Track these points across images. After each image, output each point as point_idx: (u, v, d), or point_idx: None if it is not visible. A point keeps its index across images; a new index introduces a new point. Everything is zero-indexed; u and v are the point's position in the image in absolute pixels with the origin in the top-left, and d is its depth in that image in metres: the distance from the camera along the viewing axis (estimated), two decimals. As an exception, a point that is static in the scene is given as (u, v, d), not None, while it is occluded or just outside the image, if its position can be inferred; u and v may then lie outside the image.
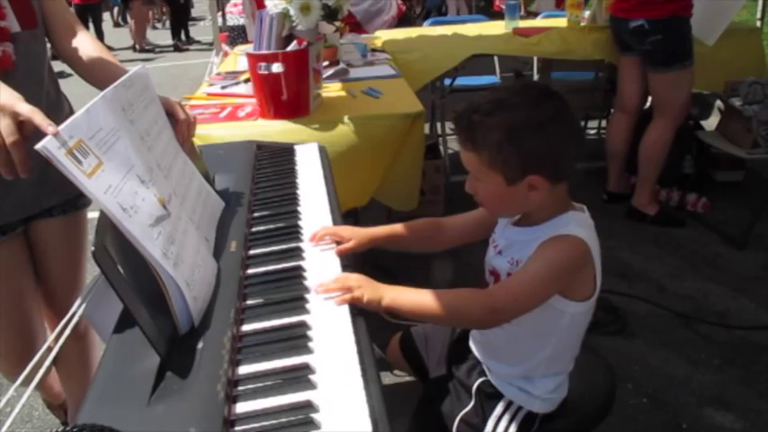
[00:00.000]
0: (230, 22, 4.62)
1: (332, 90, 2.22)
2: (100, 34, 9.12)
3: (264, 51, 1.85)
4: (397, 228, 1.25)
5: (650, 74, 2.78)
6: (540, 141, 0.97)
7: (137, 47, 9.68)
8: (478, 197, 1.07)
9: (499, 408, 1.13)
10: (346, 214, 1.57)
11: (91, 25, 8.82)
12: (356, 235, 1.13)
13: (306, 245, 1.08)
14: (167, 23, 10.74)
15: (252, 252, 1.06)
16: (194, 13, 11.94)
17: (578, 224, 1.03)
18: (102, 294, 0.86)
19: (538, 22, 3.76)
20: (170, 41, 9.82)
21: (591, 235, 1.03)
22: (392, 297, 0.99)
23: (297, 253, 1.05)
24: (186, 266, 0.84)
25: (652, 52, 2.70)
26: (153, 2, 9.95)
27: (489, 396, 1.15)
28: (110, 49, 8.93)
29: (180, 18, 9.80)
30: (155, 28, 11.43)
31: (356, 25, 3.49)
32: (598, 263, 1.04)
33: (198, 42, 9.73)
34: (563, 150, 1.01)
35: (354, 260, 1.11)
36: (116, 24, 12.02)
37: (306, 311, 0.89)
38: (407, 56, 2.97)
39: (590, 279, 1.05)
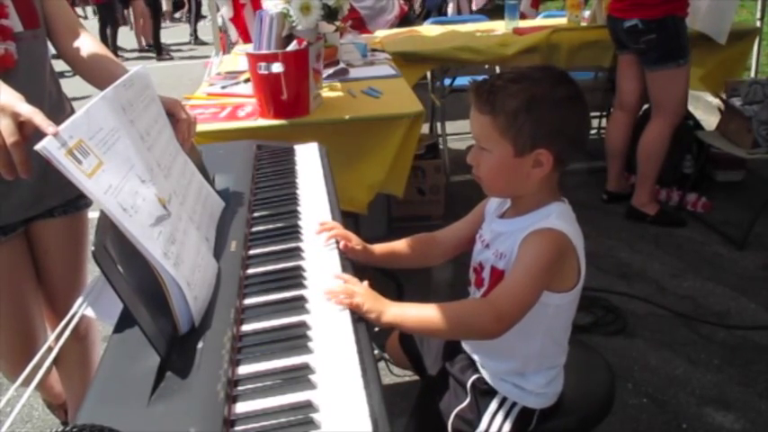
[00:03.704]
0: (230, 22, 4.62)
1: (332, 90, 2.22)
2: (114, 36, 9.03)
3: (264, 51, 1.85)
4: (394, 246, 1.27)
5: (646, 72, 2.80)
6: (555, 116, 1.01)
7: (145, 46, 9.63)
8: (479, 170, 1.07)
9: (494, 404, 1.14)
10: (346, 214, 1.58)
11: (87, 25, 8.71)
12: (362, 245, 1.16)
13: (306, 245, 1.08)
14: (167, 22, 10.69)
15: (252, 252, 1.06)
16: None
17: (559, 216, 1.04)
18: (103, 288, 0.86)
19: (538, 22, 3.76)
20: (174, 40, 9.76)
21: (572, 226, 1.05)
22: (395, 314, 0.98)
23: (297, 253, 1.05)
24: (187, 266, 0.84)
25: (647, 51, 2.72)
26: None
27: (484, 393, 1.15)
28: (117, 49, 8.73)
29: (157, 22, 9.36)
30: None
31: (359, 21, 3.49)
32: (581, 254, 1.05)
33: (204, 43, 9.59)
34: (573, 131, 1.04)
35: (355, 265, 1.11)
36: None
37: (306, 311, 0.89)
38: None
39: (572, 270, 1.05)
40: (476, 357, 1.18)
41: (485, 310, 0.99)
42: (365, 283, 0.99)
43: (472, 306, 1.05)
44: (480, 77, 1.09)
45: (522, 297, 0.99)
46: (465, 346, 1.22)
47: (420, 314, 1.00)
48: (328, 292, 0.93)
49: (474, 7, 6.07)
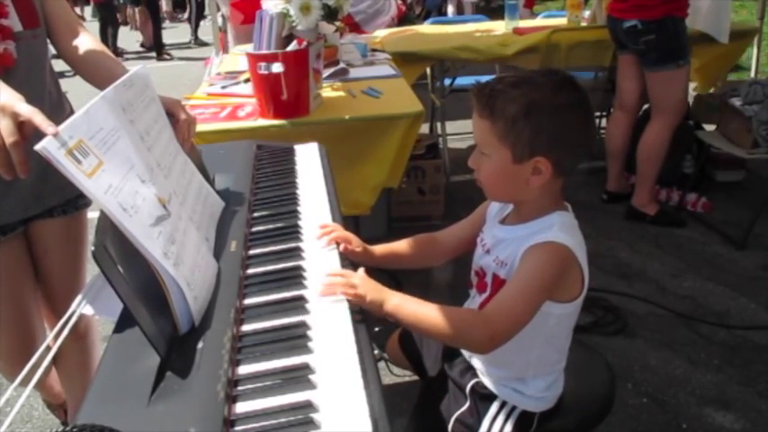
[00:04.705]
0: (230, 22, 4.62)
1: (332, 90, 2.22)
2: (115, 36, 9.03)
3: (264, 51, 1.85)
4: (394, 246, 1.26)
5: (646, 73, 2.80)
6: (554, 123, 0.98)
7: (146, 46, 9.61)
8: (480, 174, 1.06)
9: (493, 408, 1.13)
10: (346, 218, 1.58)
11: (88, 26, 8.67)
12: (363, 246, 1.16)
13: (306, 245, 1.08)
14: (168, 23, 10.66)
15: (252, 252, 1.06)
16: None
17: (561, 227, 1.03)
18: (103, 288, 0.86)
19: (538, 22, 3.76)
20: (174, 40, 9.73)
21: (574, 237, 1.03)
22: (395, 304, 0.98)
23: (297, 253, 1.05)
24: (186, 266, 0.84)
25: (646, 52, 2.72)
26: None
27: (483, 397, 1.15)
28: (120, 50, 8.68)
29: (157, 22, 9.31)
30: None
31: (354, 26, 3.50)
32: (584, 263, 1.04)
33: (205, 44, 9.53)
34: (574, 139, 1.02)
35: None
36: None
37: (306, 311, 0.89)
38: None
39: (576, 281, 1.04)
40: (475, 363, 1.17)
41: (480, 325, 0.98)
42: (361, 270, 0.99)
43: (468, 318, 1.03)
44: (484, 78, 1.08)
45: (517, 317, 0.98)
46: (464, 352, 1.21)
47: (417, 310, 0.99)
48: (328, 285, 0.93)
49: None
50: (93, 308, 0.87)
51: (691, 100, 3.19)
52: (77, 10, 10.65)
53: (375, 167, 1.95)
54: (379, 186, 1.98)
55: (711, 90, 3.43)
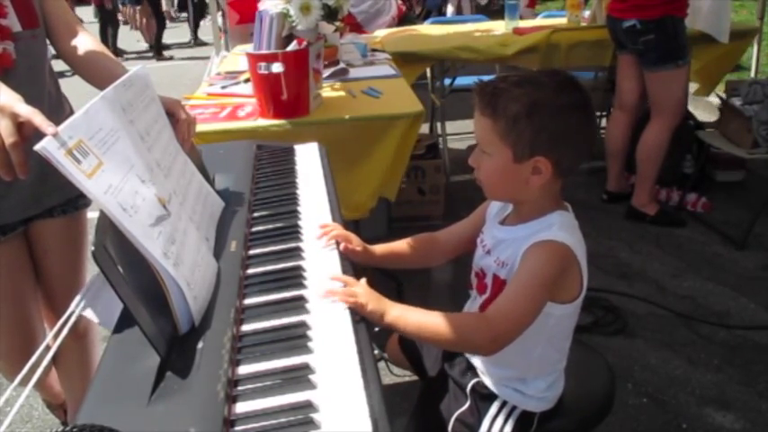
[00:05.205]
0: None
1: (332, 90, 2.22)
2: (115, 36, 9.04)
3: (264, 51, 1.85)
4: (395, 246, 1.26)
5: (645, 73, 2.80)
6: (556, 124, 0.98)
7: (146, 46, 9.62)
8: (480, 173, 1.06)
9: (494, 408, 1.13)
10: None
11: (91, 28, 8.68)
12: (363, 246, 1.16)
13: (306, 245, 1.08)
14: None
15: (252, 252, 1.06)
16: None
17: (561, 226, 1.03)
18: (102, 288, 0.86)
19: (538, 22, 3.76)
20: (174, 40, 9.73)
21: (574, 237, 1.03)
22: (396, 315, 0.98)
23: (297, 253, 1.05)
24: (186, 266, 0.84)
25: (645, 51, 2.72)
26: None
27: (484, 397, 1.15)
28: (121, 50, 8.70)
29: (161, 22, 9.33)
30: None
31: (356, 26, 3.50)
32: (584, 264, 1.04)
33: (205, 44, 9.54)
34: (575, 140, 1.02)
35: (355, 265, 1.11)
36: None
37: (306, 311, 0.89)
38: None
39: (576, 281, 1.04)
40: (475, 363, 1.17)
41: (482, 329, 0.98)
42: (363, 280, 0.99)
43: (470, 322, 1.04)
44: (486, 77, 1.08)
45: (519, 318, 0.98)
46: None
47: (420, 320, 0.99)
48: (330, 292, 0.93)
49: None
50: (92, 312, 0.87)
51: (690, 100, 3.20)
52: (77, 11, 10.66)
53: (375, 168, 1.95)
54: (379, 188, 1.98)
55: (713, 95, 3.43)
